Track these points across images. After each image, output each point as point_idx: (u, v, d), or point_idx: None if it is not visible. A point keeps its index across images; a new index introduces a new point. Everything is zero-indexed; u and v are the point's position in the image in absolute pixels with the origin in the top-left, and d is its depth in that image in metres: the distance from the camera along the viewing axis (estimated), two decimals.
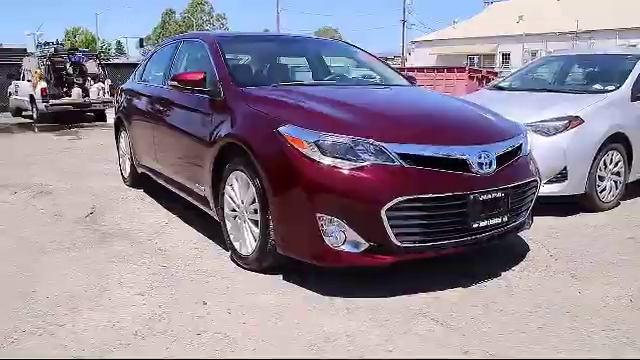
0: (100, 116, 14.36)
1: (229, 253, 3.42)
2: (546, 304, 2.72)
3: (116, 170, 6.57)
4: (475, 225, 2.79)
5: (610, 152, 4.52)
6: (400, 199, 2.57)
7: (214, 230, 3.85)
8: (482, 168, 2.80)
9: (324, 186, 2.61)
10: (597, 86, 5.03)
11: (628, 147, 4.64)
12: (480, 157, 2.81)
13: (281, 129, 2.79)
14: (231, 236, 3.30)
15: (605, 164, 4.50)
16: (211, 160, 3.35)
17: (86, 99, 13.94)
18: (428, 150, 2.72)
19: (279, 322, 2.49)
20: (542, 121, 4.35)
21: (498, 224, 2.92)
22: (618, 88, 4.77)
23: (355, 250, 2.65)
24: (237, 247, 3.23)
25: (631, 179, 4.80)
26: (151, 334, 2.37)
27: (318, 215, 2.61)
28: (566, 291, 2.90)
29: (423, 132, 2.89)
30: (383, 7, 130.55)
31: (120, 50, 67.76)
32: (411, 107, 3.49)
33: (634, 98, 4.76)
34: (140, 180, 5.39)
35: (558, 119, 4.35)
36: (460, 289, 2.91)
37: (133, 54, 57.32)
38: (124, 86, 5.73)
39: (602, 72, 5.39)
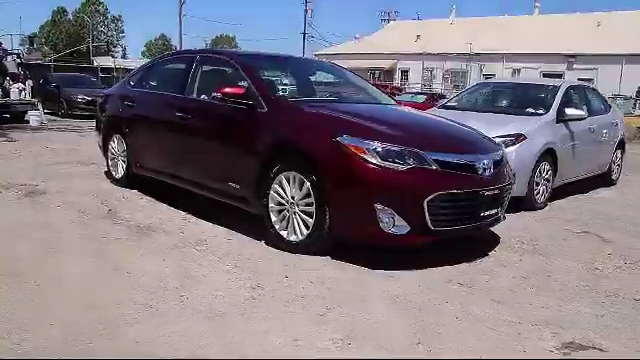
0: (19, 118, 13.75)
1: (262, 242, 4.04)
2: (533, 270, 3.73)
3: (91, 172, 6.78)
4: (482, 214, 3.74)
5: (543, 163, 5.74)
6: (438, 193, 3.43)
7: (231, 224, 4.44)
8: (485, 172, 3.75)
9: (381, 183, 3.41)
10: (530, 109, 6.29)
11: (555, 159, 5.91)
12: (483, 164, 3.76)
13: (340, 139, 3.53)
14: (276, 226, 3.93)
15: (540, 172, 5.72)
16: (258, 163, 3.96)
17: (7, 100, 13.34)
18: (453, 157, 3.64)
19: (356, 287, 3.22)
20: (496, 137, 5.43)
21: (494, 214, 3.90)
22: (547, 112, 6.05)
23: (401, 232, 3.46)
24: (284, 235, 3.88)
25: (556, 185, 6.07)
26: (264, 298, 3.01)
27: (375, 205, 3.39)
28: (540, 263, 3.93)
29: (446, 144, 3.81)
30: (286, 19, 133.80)
31: None
32: (429, 125, 4.39)
33: (558, 120, 6.06)
34: (135, 181, 5.73)
35: (509, 135, 5.48)
36: (465, 264, 3.81)
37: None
38: (117, 91, 6.04)
39: (531, 98, 6.69)
